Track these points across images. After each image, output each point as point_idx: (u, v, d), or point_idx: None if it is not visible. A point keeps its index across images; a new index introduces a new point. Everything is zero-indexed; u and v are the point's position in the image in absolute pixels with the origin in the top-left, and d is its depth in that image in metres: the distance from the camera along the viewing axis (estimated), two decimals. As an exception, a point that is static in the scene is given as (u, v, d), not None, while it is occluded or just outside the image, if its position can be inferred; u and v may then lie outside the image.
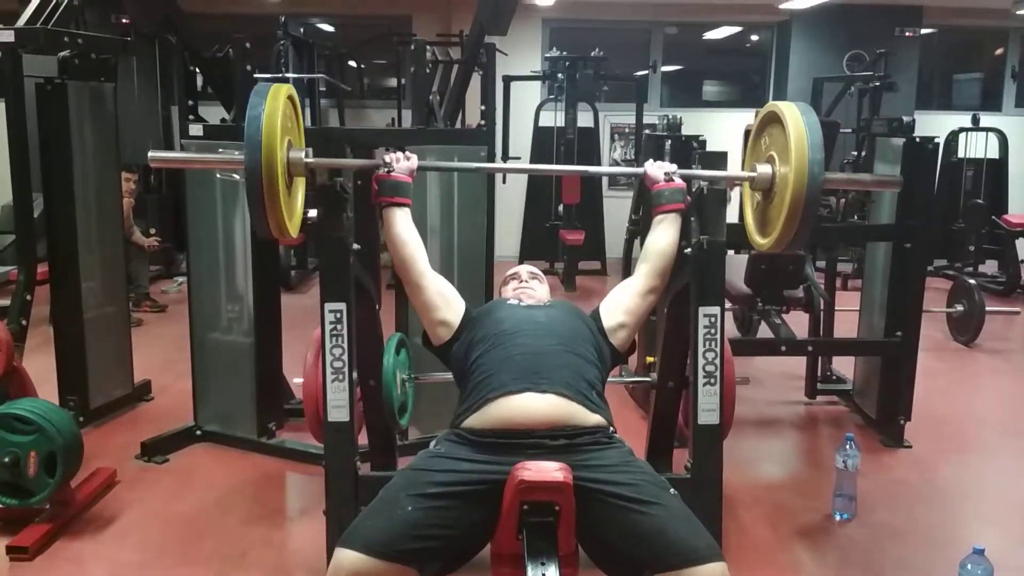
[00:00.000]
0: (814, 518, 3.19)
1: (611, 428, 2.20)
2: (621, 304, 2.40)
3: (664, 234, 2.39)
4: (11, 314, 3.60)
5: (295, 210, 2.23)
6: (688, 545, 1.91)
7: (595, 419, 2.14)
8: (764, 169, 2.24)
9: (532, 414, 2.08)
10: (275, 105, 2.02)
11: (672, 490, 2.07)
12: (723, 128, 7.35)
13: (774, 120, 2.24)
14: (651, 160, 2.46)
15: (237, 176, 2.27)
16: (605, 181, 8.28)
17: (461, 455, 2.07)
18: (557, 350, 2.25)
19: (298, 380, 2.53)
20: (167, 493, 3.30)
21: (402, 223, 2.33)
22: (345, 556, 1.92)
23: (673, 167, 2.40)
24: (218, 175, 3.51)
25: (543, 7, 7.71)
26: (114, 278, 4.07)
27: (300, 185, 2.29)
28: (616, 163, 8.58)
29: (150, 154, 2.24)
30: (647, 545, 1.93)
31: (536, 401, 2.10)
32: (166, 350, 4.68)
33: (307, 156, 2.18)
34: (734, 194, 3.11)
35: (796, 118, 2.13)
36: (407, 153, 2.38)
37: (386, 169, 2.32)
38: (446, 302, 2.36)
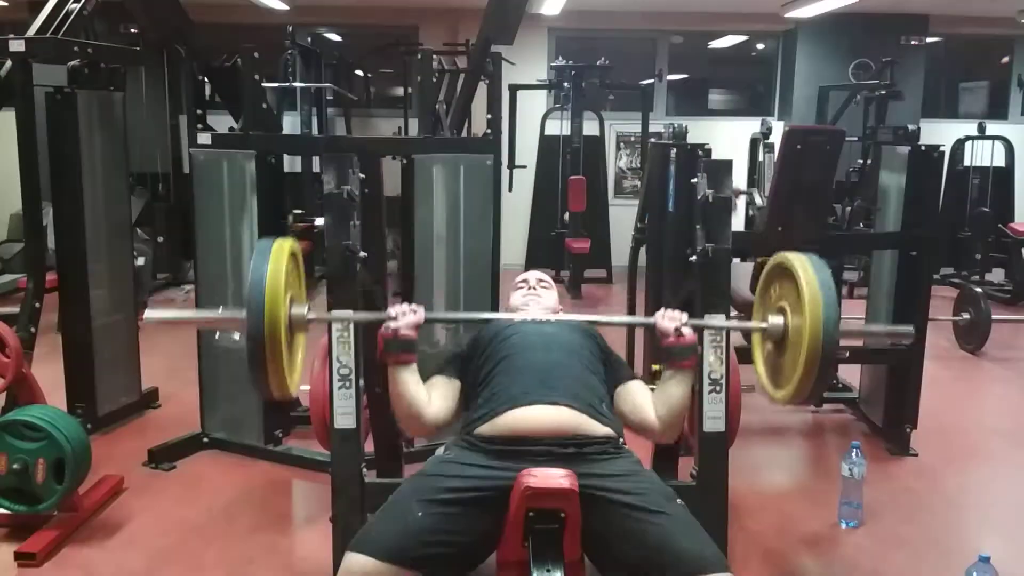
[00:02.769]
0: (820, 526, 3.18)
1: (621, 439, 2.21)
2: (629, 408, 2.37)
3: (676, 389, 2.32)
4: (20, 322, 3.62)
5: (296, 367, 2.19)
6: (694, 555, 1.92)
7: (604, 430, 2.15)
8: (776, 320, 2.20)
9: (542, 423, 2.10)
10: (278, 264, 2.01)
11: (679, 500, 2.07)
12: (729, 137, 7.38)
13: (783, 272, 2.21)
14: (662, 311, 2.36)
15: (237, 336, 2.21)
16: (611, 189, 8.30)
17: (471, 460, 2.09)
18: (567, 363, 2.27)
19: (305, 387, 2.53)
20: (174, 500, 3.30)
21: (408, 381, 2.27)
22: (355, 561, 1.93)
23: (684, 317, 2.32)
24: (225, 189, 3.53)
25: (549, 16, 7.73)
26: (122, 286, 4.09)
27: (301, 340, 2.25)
28: (621, 171, 8.59)
29: (145, 315, 2.19)
30: (652, 554, 1.93)
31: (546, 412, 2.12)
32: (173, 358, 4.69)
33: (309, 312, 2.15)
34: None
35: (809, 274, 2.08)
36: (413, 306, 2.31)
37: (392, 328, 2.25)
38: (453, 408, 2.36)
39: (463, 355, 2.43)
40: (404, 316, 2.26)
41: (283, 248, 2.05)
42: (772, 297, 2.28)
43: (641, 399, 2.36)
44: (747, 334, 2.50)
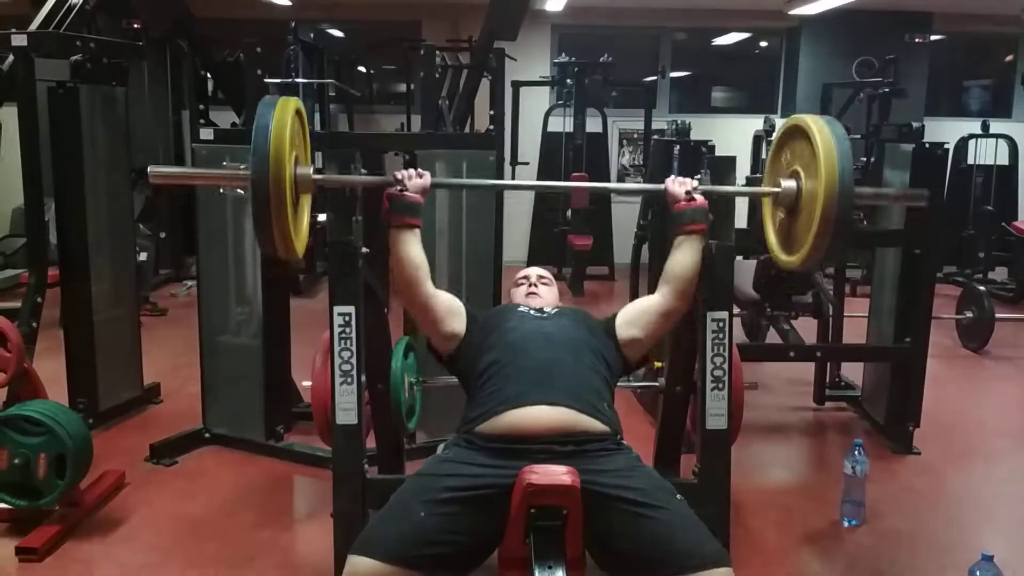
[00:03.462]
0: (822, 524, 3.18)
1: (619, 436, 2.20)
2: (639, 319, 2.38)
3: (686, 255, 2.31)
4: (22, 316, 3.63)
5: (301, 228, 2.17)
6: (695, 550, 1.91)
7: (602, 427, 2.15)
8: (789, 184, 2.18)
9: (541, 423, 2.10)
10: (283, 117, 1.97)
11: (679, 496, 2.07)
12: (732, 134, 7.36)
13: (797, 134, 2.18)
14: (672, 177, 2.37)
15: (242, 192, 2.17)
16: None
17: (471, 460, 2.08)
18: (567, 361, 2.26)
19: (307, 383, 2.53)
20: (176, 495, 3.31)
21: (412, 245, 2.27)
22: (360, 563, 1.92)
23: (695, 183, 2.32)
24: (221, 190, 3.52)
25: (552, 13, 7.72)
26: (124, 281, 4.09)
27: (306, 203, 2.22)
28: (624, 168, 8.57)
29: (150, 169, 2.16)
30: (653, 550, 1.93)
31: (546, 412, 2.11)
32: (175, 353, 4.69)
33: (315, 172, 2.14)
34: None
35: (823, 130, 2.07)
36: (420, 171, 2.31)
37: (399, 187, 2.25)
38: (452, 314, 2.35)
39: (470, 316, 2.42)
40: (411, 179, 2.27)
41: (288, 105, 2.02)
42: (783, 163, 2.26)
43: (637, 305, 2.43)
44: (757, 200, 2.46)
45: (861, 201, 2.10)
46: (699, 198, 2.31)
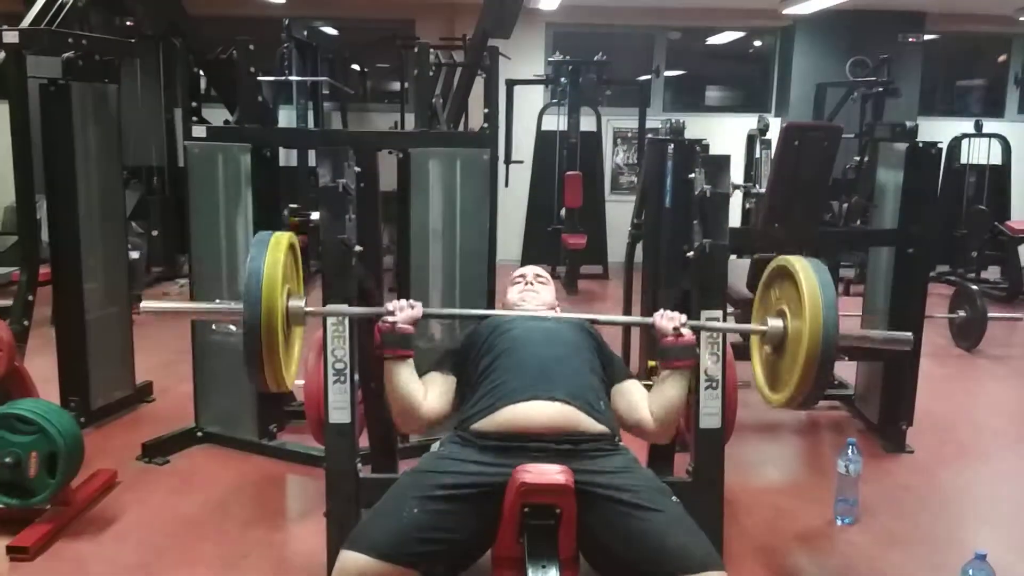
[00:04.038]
0: (816, 523, 3.18)
1: (616, 437, 2.20)
2: (623, 406, 2.35)
3: (672, 390, 2.29)
4: (13, 315, 3.60)
5: (292, 360, 2.19)
6: (687, 553, 1.91)
7: (600, 427, 2.15)
8: (776, 323, 2.21)
9: (538, 420, 2.10)
10: (276, 258, 2.00)
11: (674, 498, 2.07)
12: (726, 133, 7.37)
13: (784, 274, 2.21)
14: (661, 311, 2.35)
15: (234, 328, 2.19)
16: (607, 184, 8.30)
17: (466, 457, 2.08)
18: (566, 358, 2.27)
19: (299, 382, 2.52)
20: (168, 494, 3.29)
21: (404, 377, 2.26)
22: (351, 559, 1.92)
23: (683, 319, 2.31)
24: (220, 182, 3.52)
25: (547, 11, 7.72)
26: (116, 279, 4.07)
27: (298, 334, 2.25)
28: (618, 167, 8.58)
29: (142, 306, 2.18)
30: (646, 551, 1.93)
31: (543, 408, 2.11)
32: (168, 352, 4.67)
33: (306, 305, 2.15)
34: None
35: (809, 276, 2.10)
36: (411, 302, 2.31)
37: (390, 320, 2.24)
38: (449, 404, 2.35)
39: (460, 350, 2.42)
40: (402, 311, 2.26)
41: (281, 241, 2.05)
42: (772, 300, 2.28)
43: (637, 398, 2.35)
44: (746, 336, 2.49)
45: (845, 343, 2.13)
46: (687, 334, 2.30)
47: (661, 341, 2.31)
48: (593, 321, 2.50)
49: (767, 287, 2.32)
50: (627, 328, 4.45)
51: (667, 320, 2.30)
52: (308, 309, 2.16)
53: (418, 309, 2.29)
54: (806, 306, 2.05)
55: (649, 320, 2.38)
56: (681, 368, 2.30)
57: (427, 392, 2.31)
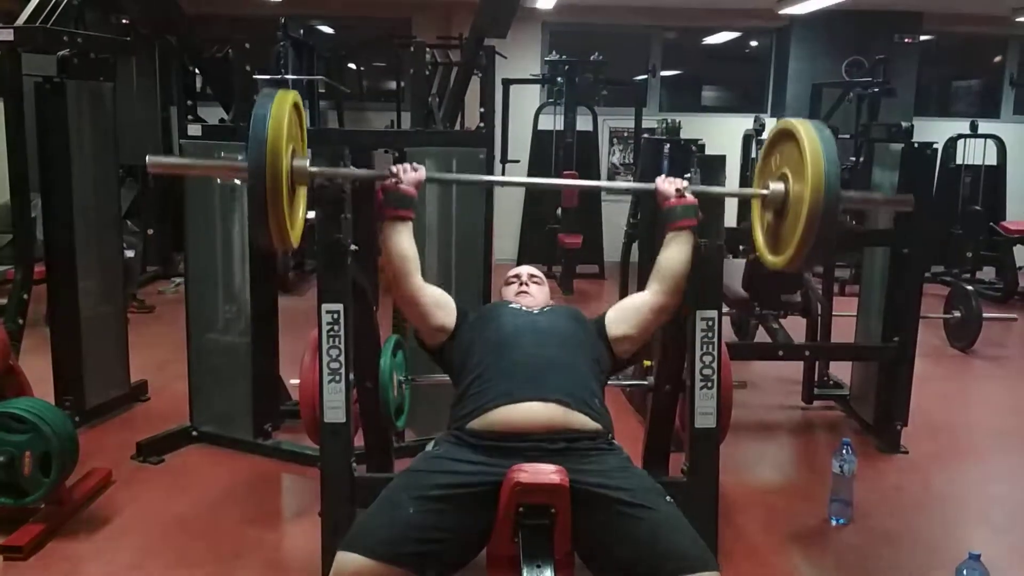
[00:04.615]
0: (810, 523, 3.18)
1: (611, 435, 2.20)
2: (630, 317, 2.39)
3: (678, 251, 2.34)
4: (8, 313, 3.60)
5: (297, 220, 2.17)
6: (682, 553, 1.91)
7: (595, 426, 2.15)
8: (777, 186, 2.20)
9: (533, 419, 2.09)
10: (281, 109, 1.98)
11: (668, 498, 2.07)
12: (722, 133, 7.37)
13: (786, 137, 2.20)
14: (662, 176, 2.40)
15: (238, 182, 2.15)
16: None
17: (461, 456, 2.08)
18: (559, 357, 2.26)
19: (295, 381, 2.52)
20: (162, 494, 3.29)
21: (404, 237, 2.28)
22: (348, 559, 1.92)
23: (684, 183, 2.35)
24: (217, 181, 3.51)
25: (543, 10, 7.72)
26: (111, 278, 4.06)
27: (302, 196, 2.23)
28: (615, 167, 8.57)
29: (149, 159, 2.16)
30: (641, 551, 1.93)
31: (538, 407, 2.11)
32: (163, 351, 4.67)
33: (312, 165, 2.14)
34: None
35: (811, 133, 2.10)
36: (414, 164, 2.32)
37: (393, 180, 2.26)
38: (441, 308, 2.37)
39: (464, 311, 2.42)
40: (405, 172, 2.28)
41: (286, 97, 2.03)
42: (773, 166, 2.28)
43: (630, 300, 2.44)
44: (745, 201, 2.50)
45: (847, 205, 2.13)
46: (689, 196, 2.33)
47: (664, 204, 2.36)
48: (598, 188, 2.51)
49: (768, 154, 2.32)
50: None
51: (669, 183, 2.36)
52: (313, 169, 2.14)
53: (421, 172, 2.31)
54: (808, 166, 2.05)
55: (651, 185, 2.42)
56: (685, 228, 2.34)
57: (430, 286, 2.35)
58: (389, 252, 2.28)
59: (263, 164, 1.92)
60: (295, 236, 2.12)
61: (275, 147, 1.94)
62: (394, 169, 2.28)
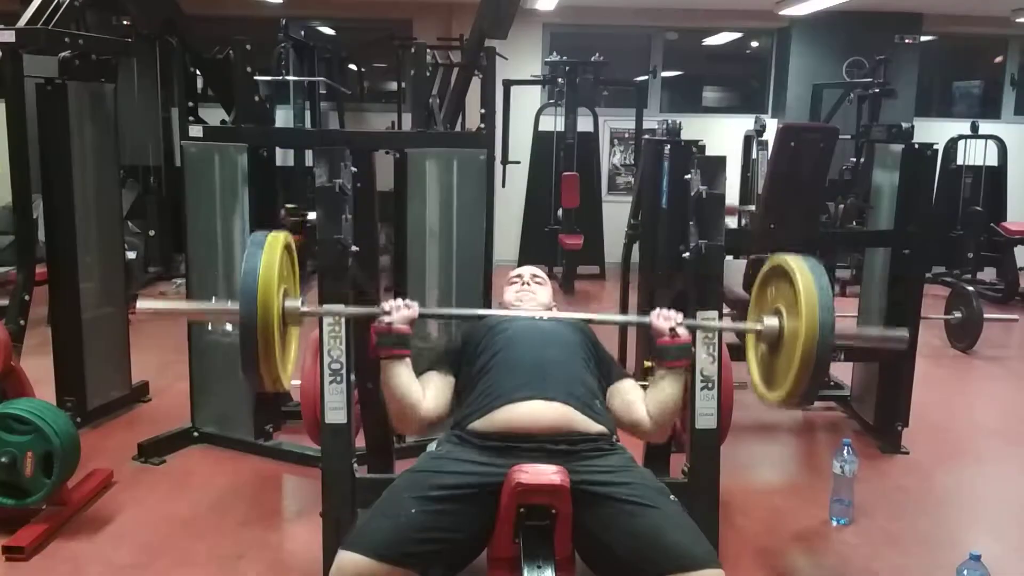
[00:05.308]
0: (811, 523, 3.18)
1: (614, 436, 2.21)
2: (621, 402, 2.35)
3: (671, 390, 2.29)
4: (9, 314, 3.60)
5: (288, 360, 2.18)
6: (685, 551, 1.92)
7: (597, 427, 2.15)
8: (771, 322, 2.20)
9: (536, 420, 2.10)
10: (272, 257, 2.00)
11: (671, 496, 2.07)
12: (723, 134, 7.38)
13: (780, 273, 2.21)
14: (656, 310, 2.35)
15: (230, 327, 2.18)
16: (604, 185, 8.29)
17: (463, 456, 2.08)
18: (561, 359, 2.27)
19: (296, 382, 2.52)
20: (164, 494, 3.29)
21: (402, 377, 2.25)
22: (348, 559, 1.92)
23: (679, 318, 2.31)
24: (218, 183, 3.51)
25: (544, 11, 7.72)
26: (113, 279, 4.07)
27: (294, 335, 2.24)
28: (615, 168, 8.58)
29: (138, 305, 2.18)
30: (643, 550, 1.93)
31: (541, 408, 2.11)
32: (164, 352, 4.67)
33: (302, 305, 2.14)
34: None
35: (806, 276, 2.09)
36: (407, 301, 2.29)
37: (386, 321, 2.23)
38: (447, 405, 2.34)
39: (457, 350, 2.42)
40: (398, 310, 2.24)
41: (277, 241, 2.05)
42: (768, 299, 2.28)
43: (633, 398, 2.35)
44: (741, 335, 2.49)
45: (841, 342, 2.12)
46: (683, 333, 2.29)
47: (657, 341, 2.31)
48: (589, 320, 2.49)
49: (763, 285, 2.32)
50: (623, 328, 4.45)
51: (663, 320, 2.30)
52: (304, 309, 2.15)
53: (414, 309, 2.27)
54: (802, 307, 2.04)
55: (645, 319, 2.37)
56: (677, 368, 2.29)
57: (425, 392, 2.31)
58: (391, 392, 2.25)
59: (254, 311, 1.95)
60: (287, 378, 2.14)
61: (266, 294, 1.97)
62: (386, 307, 2.26)
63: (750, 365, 2.37)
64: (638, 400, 2.34)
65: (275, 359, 2.01)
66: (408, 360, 2.27)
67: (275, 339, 1.99)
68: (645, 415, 2.30)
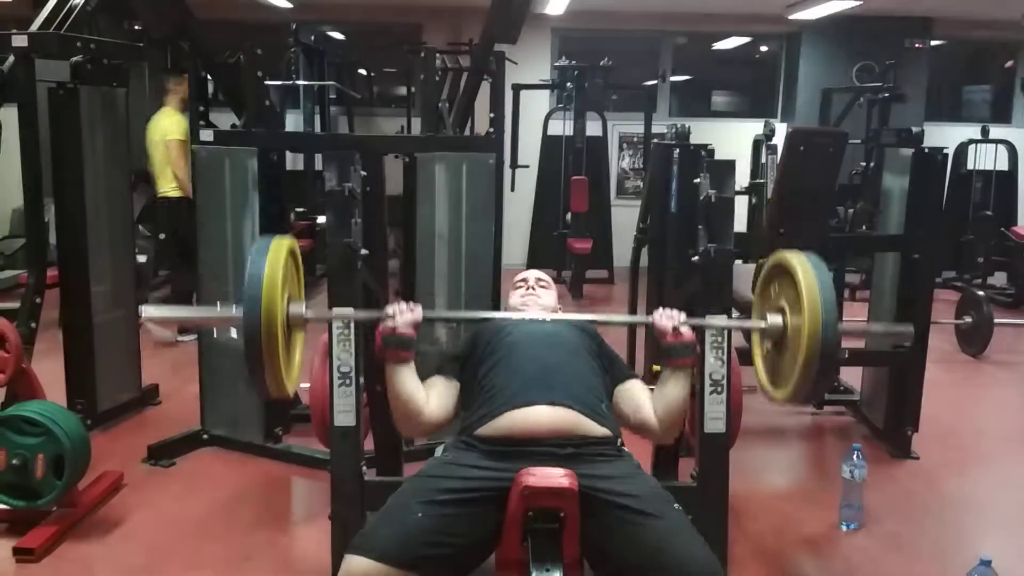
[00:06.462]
0: (820, 528, 3.18)
1: (619, 440, 2.20)
2: (628, 403, 2.35)
3: (676, 390, 2.28)
4: (21, 317, 3.62)
5: (294, 366, 2.18)
6: (688, 560, 1.91)
7: (603, 431, 2.15)
8: (775, 319, 2.19)
9: (541, 424, 2.10)
10: (276, 262, 2.00)
11: (676, 504, 2.07)
12: (732, 138, 7.35)
13: (782, 271, 2.19)
14: (660, 310, 2.33)
15: (235, 333, 2.17)
16: (613, 189, 8.30)
17: (470, 461, 2.08)
18: (567, 362, 2.27)
19: (305, 385, 2.53)
20: (173, 497, 3.30)
21: (406, 379, 2.24)
22: (356, 563, 1.92)
23: (682, 317, 2.30)
24: (228, 187, 3.53)
25: (553, 16, 7.73)
26: (123, 282, 4.08)
27: (299, 340, 2.24)
28: (624, 172, 8.58)
29: (143, 311, 2.17)
30: (648, 557, 1.93)
31: (546, 412, 2.11)
32: (174, 354, 4.69)
33: (307, 310, 2.14)
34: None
35: (808, 273, 2.07)
36: (411, 304, 2.28)
37: (390, 323, 2.23)
38: (452, 409, 2.34)
39: (462, 354, 2.42)
40: (402, 314, 2.24)
41: (281, 246, 2.05)
42: (771, 296, 2.27)
43: (641, 399, 2.35)
44: (746, 333, 2.48)
45: (847, 340, 2.10)
46: (686, 332, 2.28)
47: (661, 340, 2.30)
48: (593, 321, 2.49)
49: (766, 283, 2.31)
50: (632, 330, 4.45)
51: (666, 319, 2.29)
52: (308, 314, 2.15)
53: (418, 312, 2.27)
54: (804, 303, 2.03)
55: (648, 319, 2.37)
56: (682, 367, 2.29)
57: (430, 396, 2.31)
58: (395, 394, 2.25)
59: (258, 316, 1.94)
60: (291, 384, 2.12)
61: (270, 300, 1.96)
62: (390, 311, 2.25)
63: (756, 363, 2.35)
64: (646, 401, 2.34)
65: (279, 365, 2.01)
66: (412, 363, 2.27)
67: (279, 345, 1.99)
68: (652, 416, 2.30)
